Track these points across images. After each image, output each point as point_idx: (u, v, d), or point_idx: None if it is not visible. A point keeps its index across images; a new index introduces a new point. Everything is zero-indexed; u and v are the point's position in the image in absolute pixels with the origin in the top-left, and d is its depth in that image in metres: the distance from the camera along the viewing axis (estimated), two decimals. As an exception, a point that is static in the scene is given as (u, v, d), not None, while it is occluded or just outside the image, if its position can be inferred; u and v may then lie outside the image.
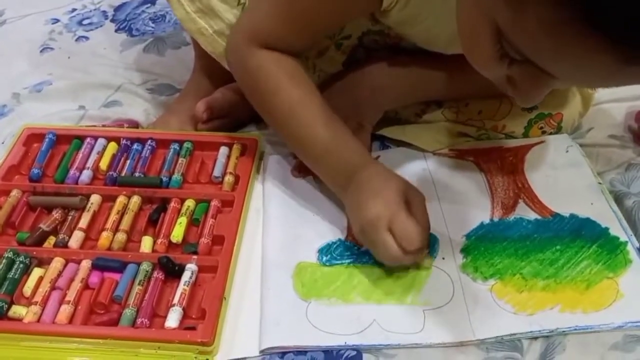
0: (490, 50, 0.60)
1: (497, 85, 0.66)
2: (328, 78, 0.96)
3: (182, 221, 0.85)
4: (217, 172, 0.92)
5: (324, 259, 0.82)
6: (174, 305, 0.75)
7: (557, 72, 0.57)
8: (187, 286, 0.77)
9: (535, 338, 0.73)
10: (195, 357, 0.71)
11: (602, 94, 1.02)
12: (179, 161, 0.93)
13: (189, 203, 0.87)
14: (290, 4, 0.82)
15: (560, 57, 0.54)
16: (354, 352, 0.73)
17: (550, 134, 0.97)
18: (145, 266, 0.79)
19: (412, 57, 0.93)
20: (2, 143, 1.00)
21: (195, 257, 0.80)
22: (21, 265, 0.79)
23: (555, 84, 0.61)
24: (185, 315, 0.75)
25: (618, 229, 0.83)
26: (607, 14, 0.48)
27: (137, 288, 0.77)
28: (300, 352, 0.73)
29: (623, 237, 0.82)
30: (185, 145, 0.95)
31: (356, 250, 0.82)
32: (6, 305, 0.75)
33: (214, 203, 0.87)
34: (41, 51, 1.20)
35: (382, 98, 0.94)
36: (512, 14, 0.54)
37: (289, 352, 0.73)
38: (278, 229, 0.85)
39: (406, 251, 0.74)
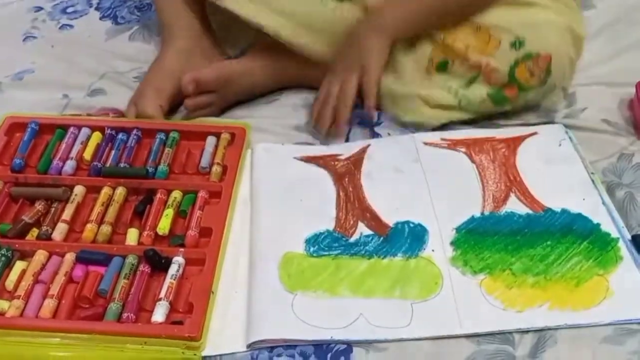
0: None
1: None
2: None
3: (169, 213, 0.83)
4: (204, 162, 0.90)
5: (312, 249, 0.81)
6: (160, 299, 0.73)
7: None
8: (174, 280, 0.75)
9: (527, 331, 0.73)
10: (183, 353, 0.70)
11: (598, 74, 1.03)
12: (165, 151, 0.91)
13: (176, 194, 0.85)
14: None
15: None
16: (344, 346, 0.72)
17: (541, 79, 0.93)
18: (131, 259, 0.77)
19: None
20: (-16, 132, 0.97)
21: (182, 249, 0.79)
22: (3, 258, 0.77)
23: None
24: (172, 310, 0.74)
25: (609, 224, 0.83)
26: None
27: (122, 282, 0.75)
28: (290, 346, 0.72)
29: (614, 234, 0.82)
30: (172, 135, 0.93)
31: (344, 241, 0.82)
32: (-13, 300, 0.73)
33: (202, 194, 0.85)
34: (24, 39, 1.17)
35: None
36: None
37: (278, 346, 0.72)
38: (266, 219, 0.84)
39: None
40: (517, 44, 0.92)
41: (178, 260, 0.77)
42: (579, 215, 0.84)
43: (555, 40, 0.94)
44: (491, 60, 0.93)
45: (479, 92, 0.94)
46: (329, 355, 0.71)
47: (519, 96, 0.95)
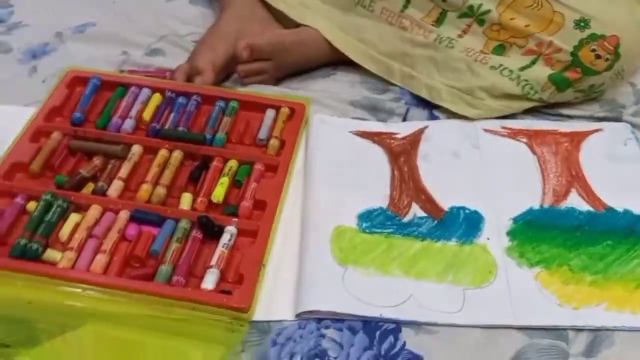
0: None
1: None
2: None
3: (224, 181, 0.82)
4: (262, 134, 0.89)
5: (364, 225, 0.80)
6: (211, 266, 0.73)
7: None
8: (226, 249, 0.75)
9: (582, 330, 0.72)
10: (231, 323, 0.70)
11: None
12: (224, 119, 0.90)
13: (232, 164, 0.85)
14: None
15: None
16: (393, 325, 0.71)
17: (607, 61, 0.90)
18: (184, 223, 0.77)
19: None
20: (44, 82, 0.98)
21: (235, 219, 0.78)
22: (58, 209, 0.78)
23: None
24: (221, 278, 0.73)
25: (674, 228, 0.81)
26: None
27: (174, 245, 0.75)
28: (338, 320, 0.71)
29: (678, 238, 0.80)
30: (231, 104, 0.92)
31: (397, 220, 0.81)
32: (41, 248, 0.74)
33: (258, 166, 0.85)
34: (87, -7, 1.17)
35: None
36: None
37: (326, 318, 0.72)
38: (319, 191, 0.84)
39: None
40: (582, 23, 0.89)
41: (230, 229, 0.77)
42: (642, 216, 0.82)
43: (624, 20, 0.90)
44: (555, 40, 0.90)
45: (541, 74, 0.92)
46: (377, 333, 0.71)
47: (583, 80, 0.92)
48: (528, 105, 0.95)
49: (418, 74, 0.97)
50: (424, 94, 0.97)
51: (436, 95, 0.96)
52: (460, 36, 0.95)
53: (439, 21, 0.95)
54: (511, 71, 0.92)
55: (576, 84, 0.92)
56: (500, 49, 0.93)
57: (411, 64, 0.98)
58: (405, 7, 0.97)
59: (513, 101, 0.94)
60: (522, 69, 0.92)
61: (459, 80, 0.95)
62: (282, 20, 1.04)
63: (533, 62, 0.92)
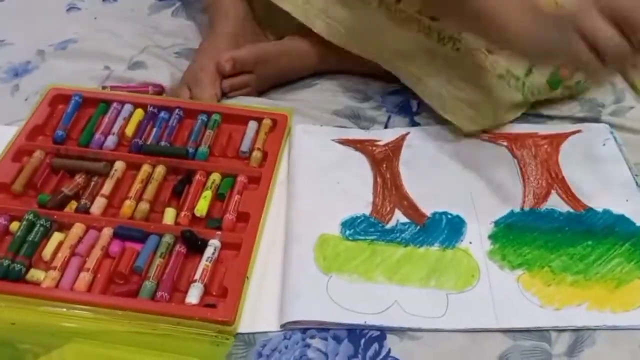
0: None
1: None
2: None
3: (207, 195, 0.83)
4: (244, 146, 0.90)
5: (347, 232, 0.81)
6: (195, 281, 0.74)
7: None
8: (210, 262, 0.75)
9: (564, 330, 0.73)
10: (216, 336, 0.70)
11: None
12: (206, 133, 0.91)
13: (215, 177, 0.85)
14: None
15: None
16: (378, 332, 0.72)
17: None
18: (168, 238, 0.78)
19: None
20: (26, 100, 0.98)
21: (219, 232, 0.79)
22: (41, 229, 0.78)
23: None
24: (205, 292, 0.74)
25: (653, 227, 0.82)
26: None
27: (158, 260, 0.75)
28: (323, 329, 0.72)
29: (658, 236, 0.80)
30: (214, 117, 0.93)
31: (380, 227, 0.81)
32: (24, 268, 0.74)
33: (241, 179, 0.85)
34: (67, 10, 1.18)
35: None
36: None
37: (311, 328, 0.72)
38: (302, 199, 0.84)
39: None
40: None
41: (214, 243, 0.77)
42: (622, 216, 0.83)
43: None
44: None
45: (539, 79, 0.91)
46: (362, 341, 0.71)
47: (573, 76, 0.92)
48: (522, 111, 0.94)
49: (425, 78, 0.93)
50: (434, 104, 0.93)
51: (440, 104, 0.92)
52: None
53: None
54: (518, 79, 0.91)
55: (565, 80, 0.93)
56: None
57: (420, 66, 0.94)
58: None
59: (512, 111, 0.93)
60: (527, 74, 0.91)
61: (464, 90, 0.91)
62: (267, 33, 1.05)
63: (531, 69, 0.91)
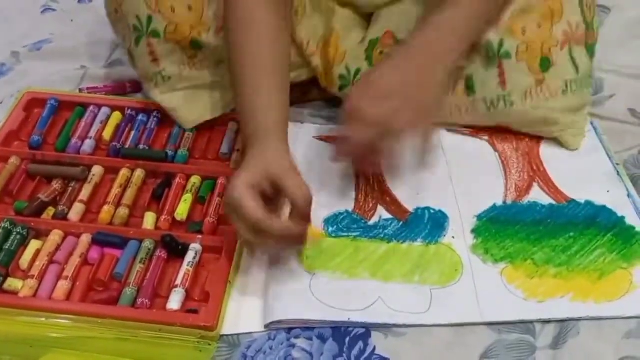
0: None
1: None
2: None
3: (187, 198, 0.82)
4: (224, 148, 0.89)
5: (330, 229, 0.80)
6: (176, 286, 0.73)
7: None
8: (191, 267, 0.74)
9: (549, 321, 0.73)
10: (198, 342, 0.69)
11: (630, 62, 1.02)
12: (186, 135, 0.90)
13: (195, 180, 0.84)
14: None
15: None
16: (363, 330, 0.71)
17: None
18: (148, 244, 0.77)
19: None
20: (1, 103, 0.97)
21: (199, 236, 0.78)
22: (18, 237, 0.77)
23: None
24: (187, 297, 0.73)
25: (634, 218, 0.82)
26: None
27: (138, 266, 0.74)
28: (308, 328, 0.71)
29: (639, 227, 0.80)
30: (192, 118, 0.91)
31: (363, 223, 0.81)
32: (1, 278, 0.73)
33: (221, 181, 0.84)
34: (42, 12, 1.16)
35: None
36: None
37: (296, 327, 0.71)
38: None
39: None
40: None
41: (195, 247, 0.76)
42: (604, 207, 0.83)
43: None
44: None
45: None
46: (347, 339, 0.71)
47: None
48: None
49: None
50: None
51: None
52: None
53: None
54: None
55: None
56: (546, 61, 0.87)
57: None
58: None
59: None
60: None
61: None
62: None
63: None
